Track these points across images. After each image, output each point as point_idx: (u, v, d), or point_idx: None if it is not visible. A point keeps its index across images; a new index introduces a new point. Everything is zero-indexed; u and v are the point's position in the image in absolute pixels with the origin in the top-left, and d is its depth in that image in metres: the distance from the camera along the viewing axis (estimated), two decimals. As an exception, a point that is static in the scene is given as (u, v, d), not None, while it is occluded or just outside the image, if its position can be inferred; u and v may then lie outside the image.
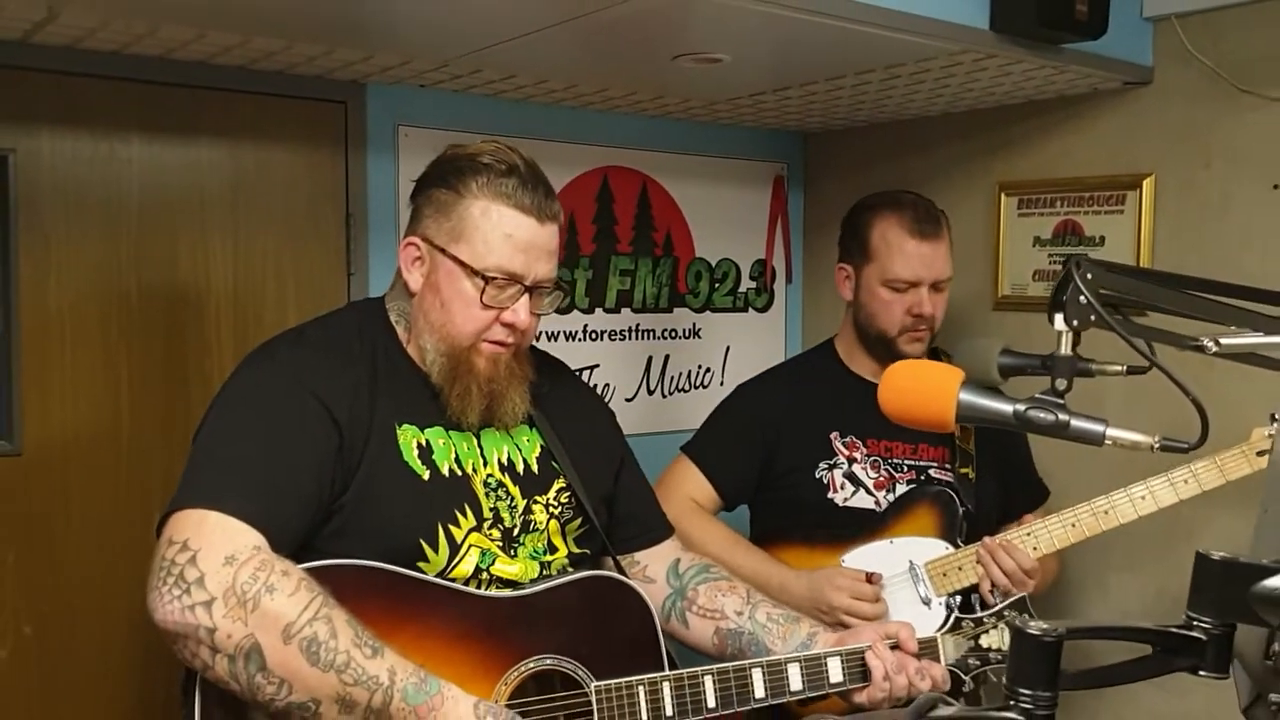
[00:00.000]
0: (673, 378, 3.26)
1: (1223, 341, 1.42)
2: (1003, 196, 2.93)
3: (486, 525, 1.74)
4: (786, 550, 2.33)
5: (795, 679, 1.79)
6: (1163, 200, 2.62)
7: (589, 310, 3.06)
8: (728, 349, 3.36)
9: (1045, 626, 0.89)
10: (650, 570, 2.01)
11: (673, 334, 3.25)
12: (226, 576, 1.44)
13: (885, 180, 2.92)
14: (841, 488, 2.34)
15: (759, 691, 1.77)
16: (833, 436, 2.37)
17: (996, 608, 1.95)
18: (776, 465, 2.40)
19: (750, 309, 3.41)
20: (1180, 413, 1.27)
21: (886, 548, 2.29)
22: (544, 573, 1.80)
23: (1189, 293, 1.48)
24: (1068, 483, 2.53)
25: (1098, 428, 1.30)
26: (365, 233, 2.70)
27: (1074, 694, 2.82)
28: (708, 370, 3.32)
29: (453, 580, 1.69)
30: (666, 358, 3.24)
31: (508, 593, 1.72)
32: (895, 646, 1.83)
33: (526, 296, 1.74)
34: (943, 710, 0.89)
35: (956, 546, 2.28)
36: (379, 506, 1.66)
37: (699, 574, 2.01)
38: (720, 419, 2.48)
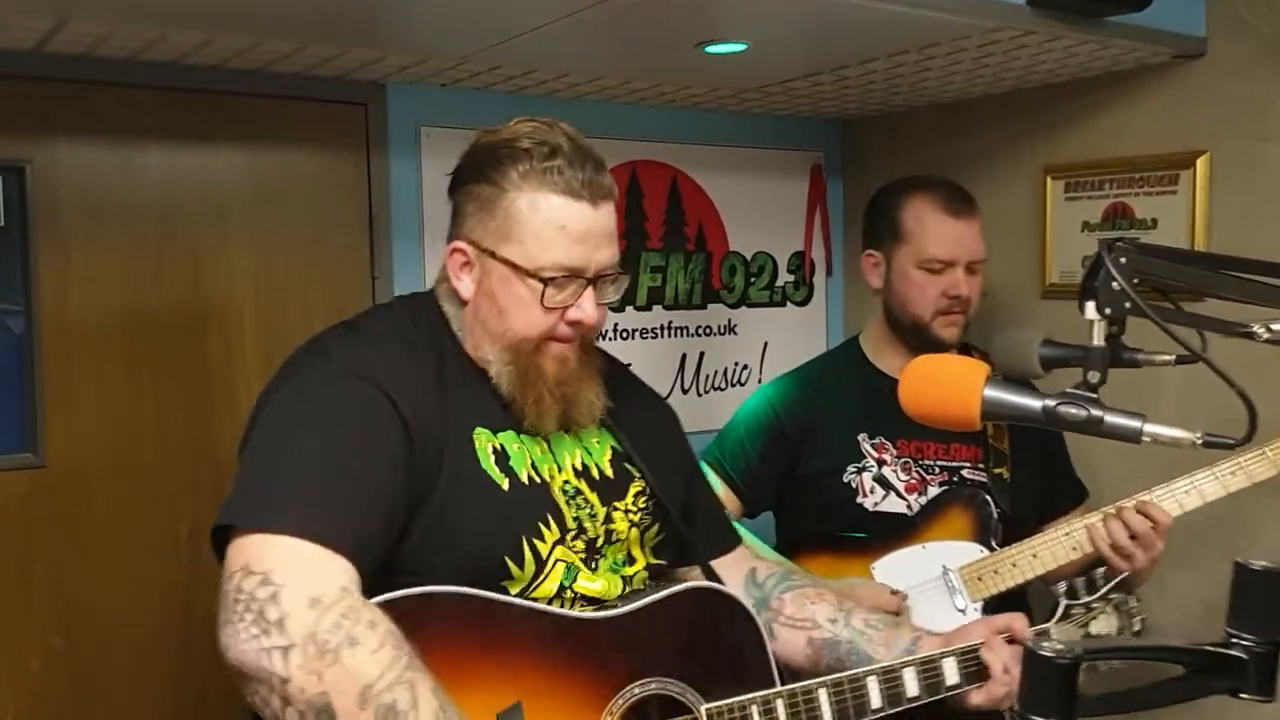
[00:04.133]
0: (708, 375, 3.19)
1: (1274, 327, 1.34)
2: (1049, 180, 2.83)
3: (570, 537, 1.60)
4: (814, 558, 2.26)
5: (912, 684, 1.68)
6: (1218, 179, 2.51)
7: (619, 309, 3.01)
8: (765, 345, 3.29)
9: (1060, 647, 0.80)
10: (725, 581, 1.84)
11: (707, 330, 3.18)
12: (309, 621, 1.27)
13: (927, 166, 2.84)
14: (871, 491, 2.27)
15: (875, 701, 1.65)
16: (861, 438, 2.30)
17: (1101, 591, 1.85)
18: (802, 470, 2.33)
19: (788, 303, 3.34)
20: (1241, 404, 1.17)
21: (919, 553, 2.22)
22: (626, 588, 1.66)
23: (1235, 275, 1.39)
24: (1118, 478, 2.42)
25: (1134, 423, 1.22)
26: (389, 236, 2.66)
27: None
28: (745, 367, 3.25)
29: (535, 599, 1.55)
30: (701, 355, 3.18)
31: (605, 613, 1.59)
32: (1011, 640, 1.73)
33: (590, 289, 1.58)
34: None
35: (991, 550, 2.21)
36: (460, 521, 1.51)
37: (781, 581, 1.87)
38: (740, 423, 2.42)
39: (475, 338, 1.62)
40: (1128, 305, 1.28)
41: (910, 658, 1.71)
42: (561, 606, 1.58)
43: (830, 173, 3.38)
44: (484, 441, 1.57)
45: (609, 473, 1.70)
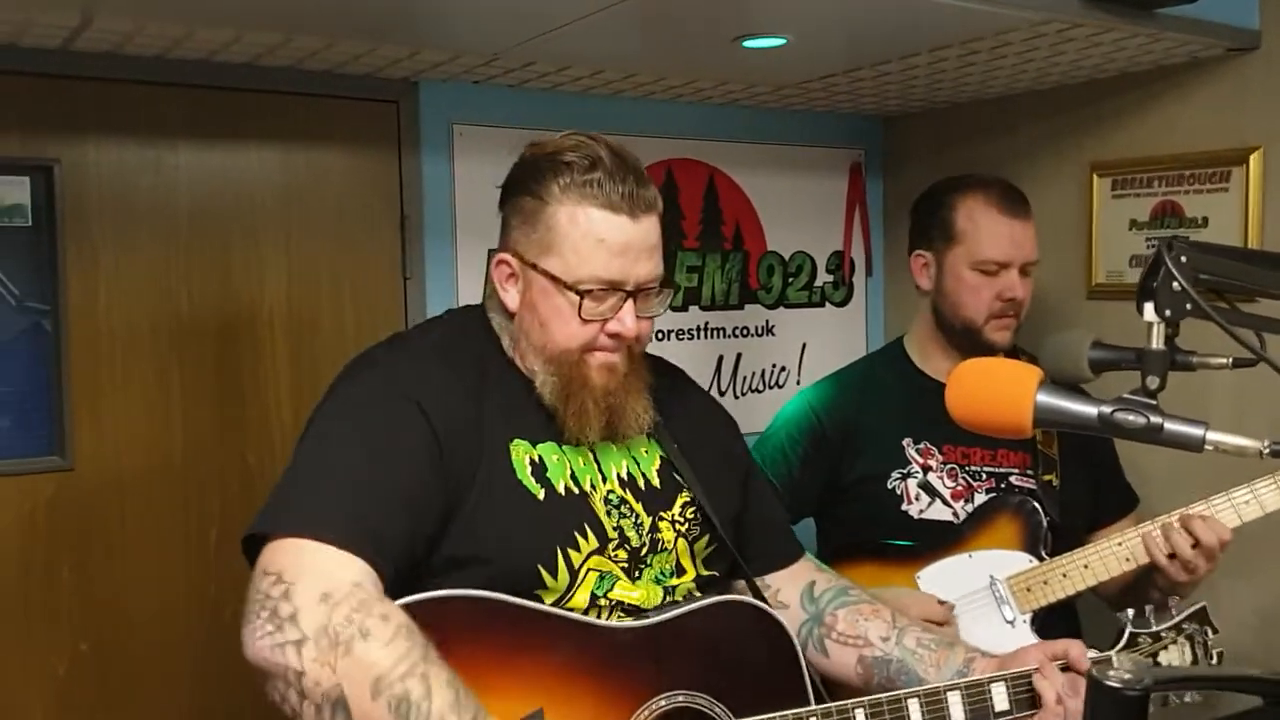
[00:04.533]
0: (745, 378, 3.13)
1: (1338, 330, 1.27)
2: (1095, 177, 2.75)
3: (611, 546, 1.60)
4: (857, 566, 2.20)
5: (956, 709, 1.61)
6: (1273, 176, 2.43)
7: (655, 309, 2.95)
8: (804, 346, 3.23)
9: (1128, 676, 0.74)
10: (783, 594, 1.85)
11: (744, 332, 3.12)
12: (321, 615, 1.31)
13: (970, 164, 2.77)
14: (916, 498, 2.21)
15: None
16: (906, 443, 2.25)
17: (1175, 620, 1.77)
18: (845, 476, 2.27)
19: (827, 304, 3.27)
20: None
21: (965, 562, 2.15)
22: (668, 598, 1.65)
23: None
24: (1167, 485, 2.35)
25: (1196, 431, 1.16)
26: (421, 235, 2.62)
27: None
28: (783, 369, 3.19)
29: (570, 610, 1.55)
30: (738, 357, 3.12)
31: (634, 622, 1.57)
32: (1066, 668, 1.64)
33: (630, 302, 1.59)
34: None
35: (1040, 559, 2.14)
36: (493, 532, 1.52)
37: (837, 597, 1.84)
38: (781, 427, 2.36)
39: (521, 348, 1.64)
40: (1189, 306, 1.22)
41: (956, 680, 1.65)
42: (597, 615, 1.57)
43: (870, 171, 3.31)
44: (521, 454, 1.58)
45: (656, 482, 1.70)
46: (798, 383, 3.15)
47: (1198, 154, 2.55)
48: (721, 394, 3.08)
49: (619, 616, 1.58)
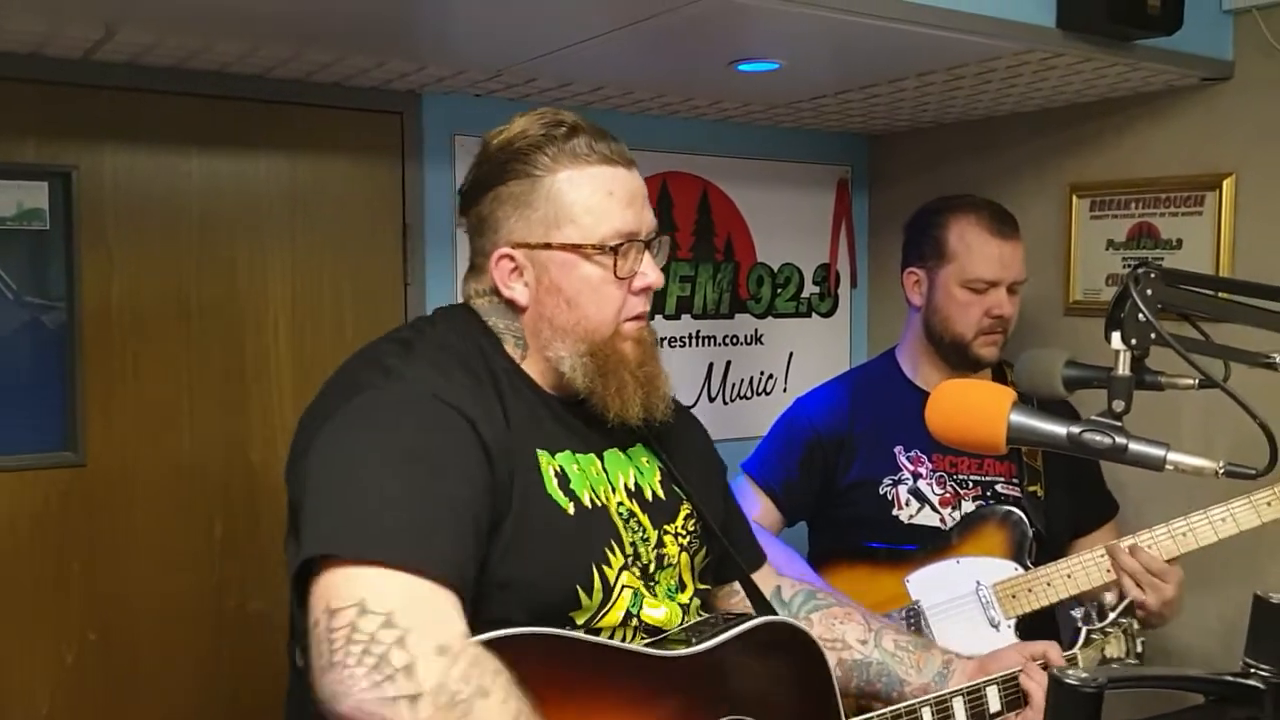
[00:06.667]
0: (734, 384, 3.21)
1: (1296, 357, 1.35)
2: (1074, 198, 2.83)
3: (629, 561, 1.53)
4: (848, 569, 2.28)
5: (960, 713, 1.67)
6: (1244, 201, 2.51)
7: (649, 316, 3.00)
8: (791, 355, 3.31)
9: (1084, 675, 0.83)
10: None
11: (734, 340, 3.20)
12: (440, 670, 1.18)
13: (953, 182, 2.85)
14: (906, 504, 2.28)
15: None
16: (897, 451, 2.32)
17: (1113, 616, 1.87)
18: (839, 481, 2.34)
19: (814, 314, 3.35)
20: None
21: (952, 567, 2.22)
22: (684, 617, 1.60)
23: (1256, 305, 1.41)
24: (1143, 496, 2.44)
25: (1158, 452, 1.24)
26: (422, 243, 2.69)
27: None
28: (770, 376, 3.27)
29: (600, 629, 1.49)
30: (728, 364, 3.20)
31: (688, 650, 1.51)
32: (1045, 667, 1.72)
33: (648, 254, 1.55)
34: None
35: (1025, 567, 2.21)
36: (531, 553, 1.43)
37: (807, 600, 1.83)
38: (778, 435, 2.44)
39: (540, 341, 1.55)
40: (1153, 336, 1.30)
41: (958, 686, 1.70)
42: (625, 636, 1.52)
43: (856, 187, 3.39)
44: (546, 464, 1.50)
45: (660, 494, 1.64)
46: (785, 390, 3.24)
47: (1173, 178, 2.62)
48: (711, 401, 3.16)
49: (641, 638, 1.53)
